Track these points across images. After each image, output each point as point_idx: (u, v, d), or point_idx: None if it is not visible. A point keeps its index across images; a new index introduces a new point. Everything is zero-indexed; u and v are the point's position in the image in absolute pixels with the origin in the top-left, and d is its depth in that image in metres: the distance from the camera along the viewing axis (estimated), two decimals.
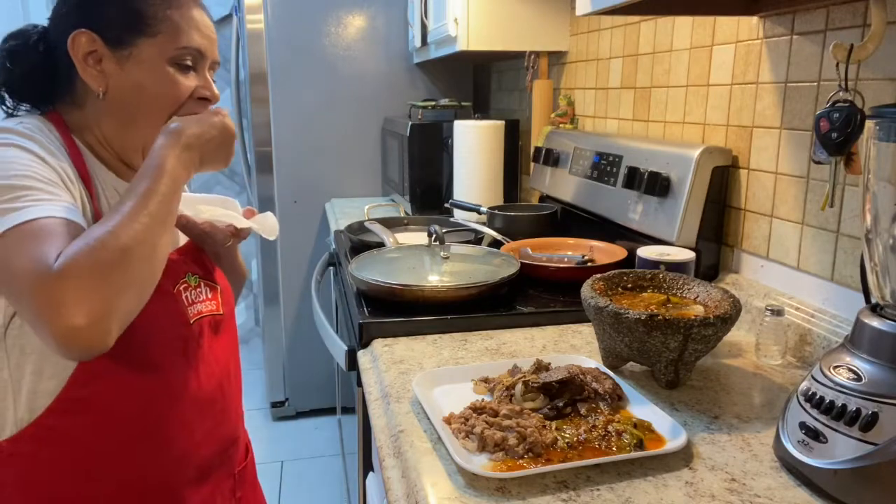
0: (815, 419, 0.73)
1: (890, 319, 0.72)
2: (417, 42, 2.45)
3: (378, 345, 1.15)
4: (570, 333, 1.20)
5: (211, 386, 0.98)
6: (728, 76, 1.29)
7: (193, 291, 0.98)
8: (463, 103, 2.54)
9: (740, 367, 1.06)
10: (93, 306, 0.70)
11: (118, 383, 0.87)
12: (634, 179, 1.40)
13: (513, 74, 2.58)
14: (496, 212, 1.85)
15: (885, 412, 0.67)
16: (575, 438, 0.81)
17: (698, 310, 1.01)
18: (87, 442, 0.86)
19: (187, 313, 0.95)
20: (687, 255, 1.19)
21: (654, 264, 1.17)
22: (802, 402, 0.75)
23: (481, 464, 0.76)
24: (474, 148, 2.07)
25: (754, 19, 1.21)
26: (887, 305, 0.73)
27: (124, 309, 0.74)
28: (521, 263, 1.38)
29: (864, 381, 0.70)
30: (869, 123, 0.72)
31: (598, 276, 1.10)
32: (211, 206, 1.05)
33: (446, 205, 2.10)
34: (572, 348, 1.13)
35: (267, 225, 1.09)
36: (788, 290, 1.15)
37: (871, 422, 0.67)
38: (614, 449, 0.78)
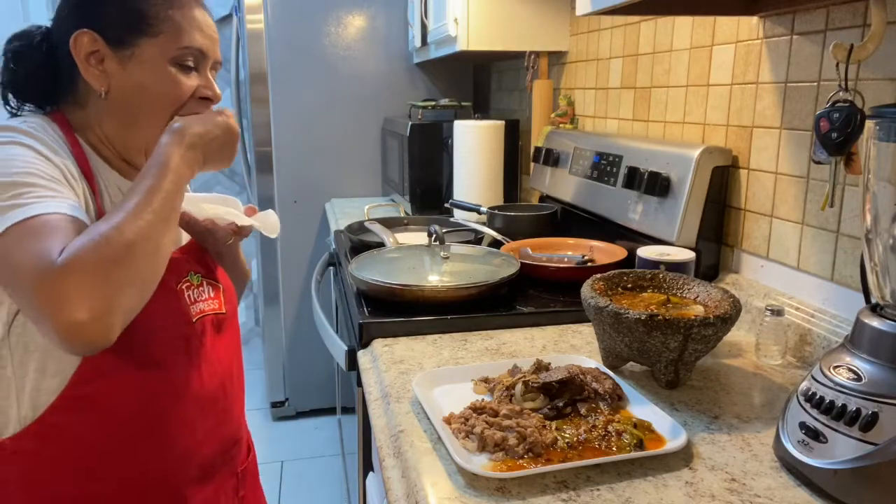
0: (815, 419, 0.73)
1: (890, 319, 0.72)
2: (417, 42, 2.45)
3: (378, 345, 1.15)
4: (570, 333, 1.20)
5: (213, 385, 0.98)
6: (728, 76, 1.29)
7: (196, 290, 0.98)
8: (463, 103, 2.54)
9: (740, 367, 1.06)
10: (95, 302, 0.70)
11: (121, 381, 0.87)
12: (634, 179, 1.40)
13: (513, 74, 2.58)
14: (496, 212, 1.85)
15: (885, 412, 0.67)
16: (575, 438, 0.81)
17: (698, 310, 1.01)
18: (89, 439, 0.86)
19: (189, 312, 0.95)
20: (687, 255, 1.19)
21: (654, 264, 1.17)
22: (802, 402, 0.75)
23: (481, 464, 0.76)
24: (474, 148, 2.07)
25: (754, 19, 1.21)
26: (887, 305, 0.73)
27: (127, 305, 0.74)
28: (521, 263, 1.38)
29: (864, 381, 0.70)
30: (869, 123, 0.72)
31: (598, 276, 1.10)
32: (212, 204, 1.05)
33: (446, 205, 2.10)
34: (572, 348, 1.13)
35: (268, 223, 1.09)
36: (788, 290, 1.15)
37: (871, 422, 0.67)
38: (614, 449, 0.78)
